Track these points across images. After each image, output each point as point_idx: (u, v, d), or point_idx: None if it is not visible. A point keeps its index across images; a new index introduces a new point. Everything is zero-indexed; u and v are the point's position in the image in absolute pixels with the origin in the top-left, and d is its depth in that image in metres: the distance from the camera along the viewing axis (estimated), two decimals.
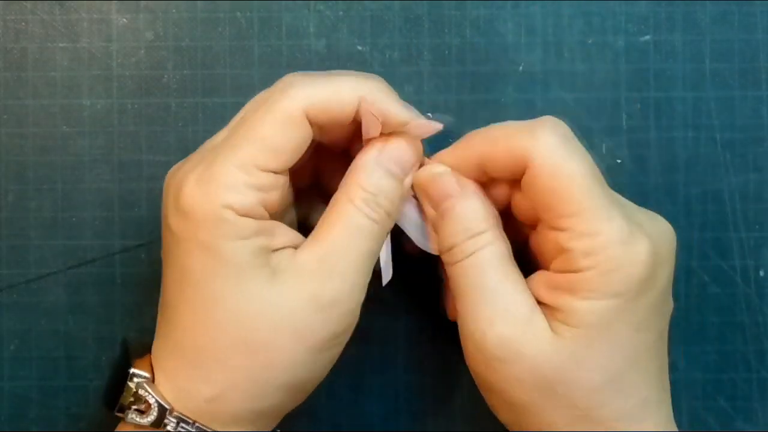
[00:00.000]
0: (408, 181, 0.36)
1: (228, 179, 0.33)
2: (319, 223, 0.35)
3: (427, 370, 0.43)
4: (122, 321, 0.42)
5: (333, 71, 0.37)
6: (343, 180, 0.36)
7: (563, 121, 0.35)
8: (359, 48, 0.43)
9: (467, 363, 0.36)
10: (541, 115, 0.37)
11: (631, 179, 0.42)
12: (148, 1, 0.43)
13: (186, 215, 0.34)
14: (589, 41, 0.42)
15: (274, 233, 0.35)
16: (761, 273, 0.42)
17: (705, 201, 0.42)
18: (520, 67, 0.42)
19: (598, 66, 0.42)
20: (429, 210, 0.37)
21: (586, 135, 0.42)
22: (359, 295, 0.35)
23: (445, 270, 0.37)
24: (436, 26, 0.42)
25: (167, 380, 0.34)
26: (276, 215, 0.36)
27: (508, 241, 0.36)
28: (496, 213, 0.37)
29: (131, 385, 0.34)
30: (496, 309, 0.35)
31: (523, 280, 0.35)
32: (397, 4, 0.43)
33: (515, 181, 0.36)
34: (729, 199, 0.42)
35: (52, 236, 0.42)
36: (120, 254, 0.42)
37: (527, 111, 0.42)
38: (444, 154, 0.37)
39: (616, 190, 0.42)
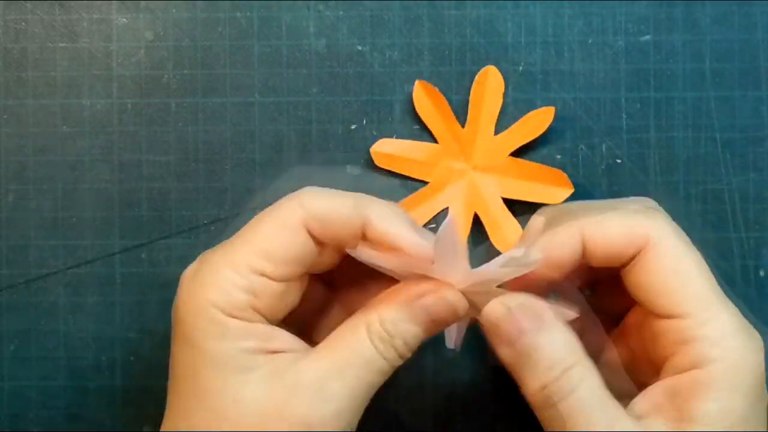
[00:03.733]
0: (434, 329, 0.34)
1: (217, 278, 0.33)
2: (332, 336, 0.34)
3: (428, 371, 0.43)
4: (122, 321, 0.42)
5: (354, 193, 0.35)
6: (372, 301, 0.34)
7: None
8: (359, 48, 0.43)
9: None
10: None
11: (631, 179, 0.42)
12: (148, 1, 0.43)
13: (177, 310, 0.34)
14: (589, 41, 0.42)
15: (271, 337, 0.34)
16: (761, 273, 0.42)
17: (705, 201, 0.42)
18: (520, 67, 0.42)
19: (598, 66, 0.42)
20: (502, 350, 0.33)
21: (586, 135, 0.42)
22: (347, 423, 0.33)
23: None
24: (436, 26, 0.42)
25: None
26: (277, 320, 0.34)
27: (596, 367, 0.33)
28: (577, 338, 0.33)
29: None
30: None
31: (618, 403, 0.32)
32: (397, 4, 0.43)
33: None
34: (729, 199, 0.42)
35: (52, 236, 0.42)
36: (120, 254, 0.42)
37: (527, 111, 0.42)
38: (538, 243, 0.34)
39: (615, 190, 0.42)
